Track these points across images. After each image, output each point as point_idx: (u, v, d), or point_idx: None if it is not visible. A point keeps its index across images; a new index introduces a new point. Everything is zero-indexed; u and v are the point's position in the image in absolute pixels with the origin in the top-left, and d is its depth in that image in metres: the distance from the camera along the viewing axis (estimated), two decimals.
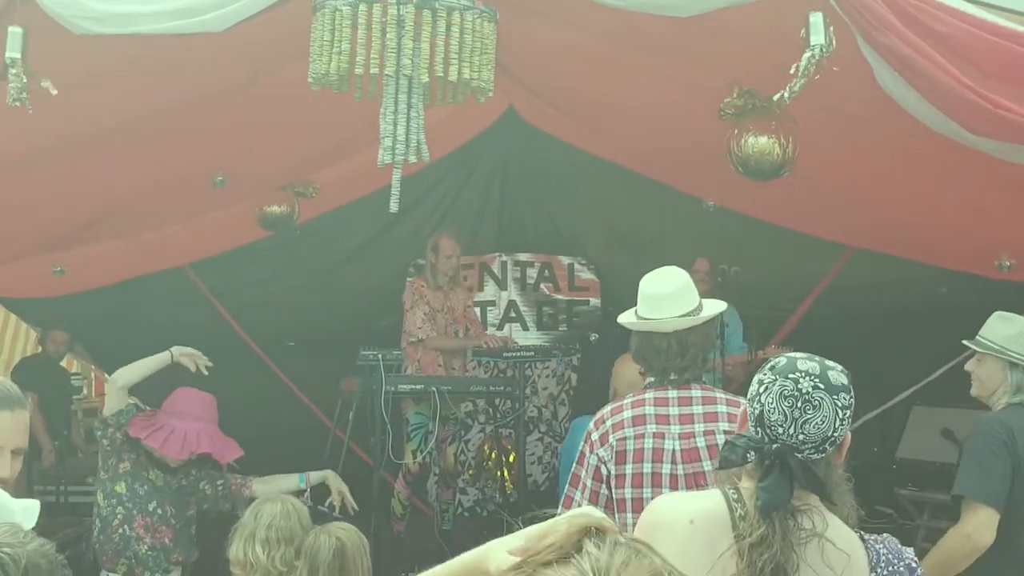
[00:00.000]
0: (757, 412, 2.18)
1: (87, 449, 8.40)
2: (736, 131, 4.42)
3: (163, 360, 4.78)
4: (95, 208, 5.95)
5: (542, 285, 8.51)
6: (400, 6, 3.21)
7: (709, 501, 2.23)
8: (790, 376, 2.17)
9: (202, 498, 4.80)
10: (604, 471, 3.33)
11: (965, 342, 3.95)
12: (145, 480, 4.62)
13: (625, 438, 3.30)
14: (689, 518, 2.18)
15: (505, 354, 6.91)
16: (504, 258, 8.48)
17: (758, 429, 2.18)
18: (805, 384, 2.16)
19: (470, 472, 8.39)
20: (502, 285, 8.47)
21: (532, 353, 7.40)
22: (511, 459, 7.29)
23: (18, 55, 3.50)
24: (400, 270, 8.18)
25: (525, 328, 8.44)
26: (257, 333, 8.39)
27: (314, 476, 4.91)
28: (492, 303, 8.42)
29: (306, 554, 3.46)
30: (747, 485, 2.20)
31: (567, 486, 3.47)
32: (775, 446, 2.14)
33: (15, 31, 3.49)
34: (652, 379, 3.40)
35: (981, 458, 3.67)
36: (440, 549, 6.84)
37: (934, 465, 7.07)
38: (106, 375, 9.34)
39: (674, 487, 3.23)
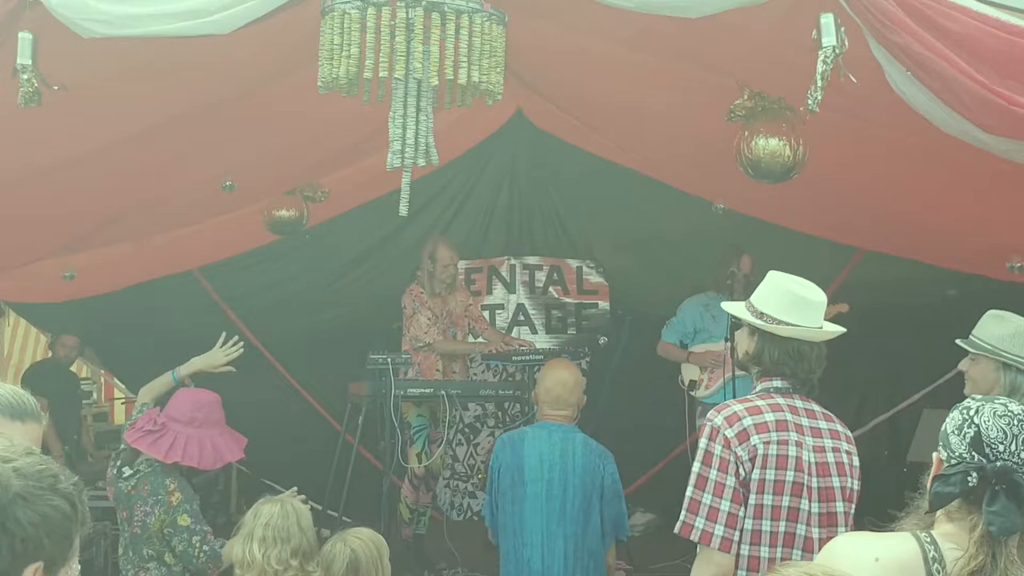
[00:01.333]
0: (972, 435, 2.16)
1: (97, 454, 8.42)
2: (746, 133, 4.40)
3: (164, 380, 4.58)
4: (104, 213, 5.96)
5: (551, 288, 8.50)
6: (409, 9, 3.20)
7: (895, 541, 2.18)
8: (998, 401, 2.20)
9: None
10: (743, 471, 3.16)
11: (958, 341, 3.91)
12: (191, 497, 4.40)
13: (770, 441, 3.16)
14: (874, 556, 2.14)
15: (514, 358, 6.90)
16: (513, 261, 8.48)
17: (973, 453, 2.14)
18: (1015, 408, 2.18)
19: (480, 476, 8.38)
20: (511, 288, 8.47)
21: (541, 356, 7.39)
22: None
23: (29, 61, 3.50)
24: (409, 274, 8.15)
25: (534, 331, 8.43)
26: (266, 337, 8.40)
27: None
28: (501, 306, 8.42)
29: (322, 562, 3.48)
30: (947, 530, 2.15)
31: (691, 488, 3.21)
32: (999, 464, 2.09)
33: (25, 37, 3.50)
34: (778, 383, 3.29)
35: None
36: (451, 555, 6.85)
37: None
38: (116, 380, 9.39)
39: (810, 498, 3.15)
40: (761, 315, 3.31)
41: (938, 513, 2.19)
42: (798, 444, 3.19)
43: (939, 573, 2.07)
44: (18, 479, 1.54)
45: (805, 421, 3.25)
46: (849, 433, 3.32)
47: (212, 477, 7.28)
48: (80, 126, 4.47)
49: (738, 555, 3.16)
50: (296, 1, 3.57)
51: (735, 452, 3.17)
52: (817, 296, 3.32)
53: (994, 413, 2.16)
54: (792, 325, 3.26)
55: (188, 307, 8.07)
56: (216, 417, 4.50)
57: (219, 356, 4.75)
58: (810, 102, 3.28)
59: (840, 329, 3.36)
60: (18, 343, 8.87)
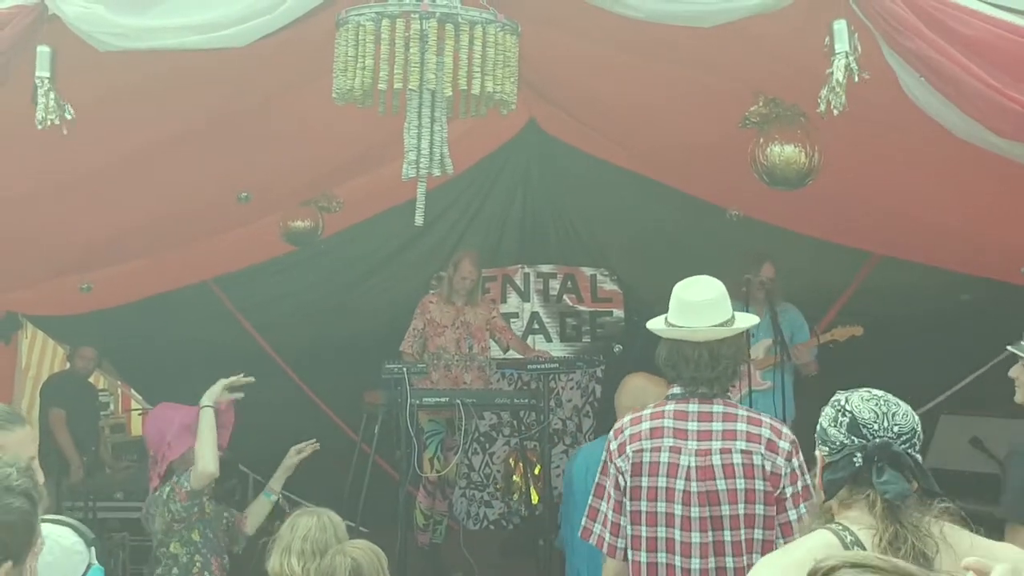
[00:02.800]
0: (847, 421, 2.33)
1: (115, 465, 8.45)
2: (761, 140, 4.40)
3: (210, 421, 4.53)
4: (121, 226, 5.99)
5: (565, 296, 8.51)
6: (423, 20, 3.22)
7: (811, 540, 2.27)
8: (861, 389, 2.40)
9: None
10: (622, 482, 3.31)
11: (1009, 347, 3.90)
12: (211, 520, 4.52)
13: (642, 450, 3.28)
14: (812, 557, 2.17)
15: (529, 366, 6.92)
16: (527, 270, 8.49)
17: (852, 437, 2.32)
18: (877, 391, 2.39)
19: (497, 486, 8.38)
20: (525, 297, 8.48)
21: (556, 365, 7.40)
22: (537, 471, 7.27)
23: (47, 74, 3.53)
24: (424, 283, 8.20)
25: (548, 340, 8.44)
26: (282, 347, 8.42)
27: (275, 483, 4.91)
28: (515, 315, 8.43)
29: (323, 575, 3.47)
30: (850, 515, 2.27)
31: (591, 496, 3.45)
32: (877, 441, 2.29)
33: (43, 50, 3.53)
34: (676, 391, 3.36)
35: (1016, 477, 3.58)
36: (467, 563, 6.85)
37: (963, 474, 6.99)
38: (133, 391, 9.42)
39: (687, 503, 3.20)
40: (666, 322, 3.38)
41: (835, 506, 2.33)
42: (673, 450, 3.24)
43: (851, 540, 2.19)
44: None
45: (693, 425, 3.27)
46: (765, 432, 3.23)
47: (229, 488, 7.29)
48: (96, 140, 4.49)
49: (628, 560, 3.30)
50: (310, 14, 3.59)
51: (615, 463, 3.34)
52: (699, 296, 3.36)
53: (861, 399, 2.36)
54: (671, 327, 3.32)
55: (204, 318, 8.09)
56: (176, 417, 4.61)
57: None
58: (821, 106, 3.28)
59: (736, 327, 3.34)
60: (36, 355, 8.91)
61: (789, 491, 3.18)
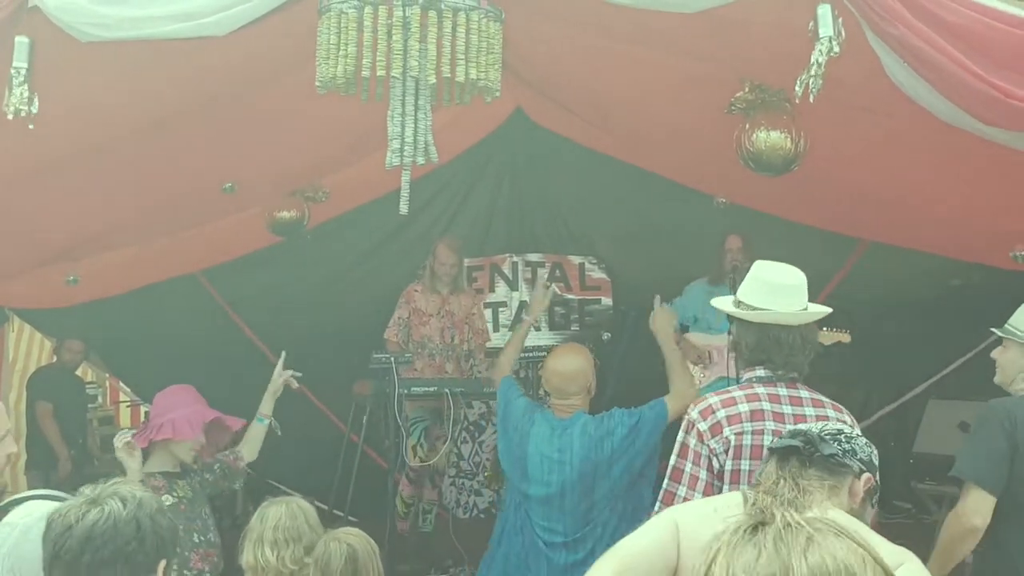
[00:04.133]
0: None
1: (103, 458, 8.43)
2: (747, 126, 4.39)
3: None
4: (106, 217, 5.96)
5: (553, 285, 8.48)
6: (406, 7, 3.20)
7: (726, 496, 2.56)
8: None
9: (210, 488, 4.65)
10: (716, 464, 3.20)
11: (993, 329, 3.93)
12: (178, 505, 4.38)
13: (743, 432, 3.19)
14: (713, 507, 2.43)
15: (520, 355, 6.90)
16: (515, 259, 8.47)
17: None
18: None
19: (486, 474, 8.38)
20: (513, 286, 8.46)
21: (545, 353, 7.38)
22: None
23: (24, 65, 3.50)
24: (411, 272, 8.17)
25: (537, 328, 8.40)
26: (270, 338, 8.39)
27: (265, 406, 4.93)
28: (503, 304, 8.41)
29: (317, 562, 3.46)
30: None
31: (667, 480, 3.30)
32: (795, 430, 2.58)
33: (22, 41, 3.50)
34: (760, 372, 3.31)
35: (976, 440, 3.71)
36: (457, 552, 6.85)
37: (952, 459, 7.02)
38: (121, 383, 9.39)
39: None
40: (738, 304, 3.32)
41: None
42: (775, 433, 3.17)
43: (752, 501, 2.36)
44: (152, 500, 2.12)
45: (787, 409, 3.24)
46: (844, 417, 3.26)
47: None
48: (78, 130, 4.47)
49: None
50: (292, 2, 3.57)
51: (708, 445, 3.22)
52: (792, 280, 3.32)
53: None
54: (762, 310, 3.26)
55: (191, 310, 8.06)
56: (187, 398, 4.59)
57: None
58: (798, 88, 3.27)
59: (823, 310, 3.35)
60: (23, 348, 8.88)
61: None
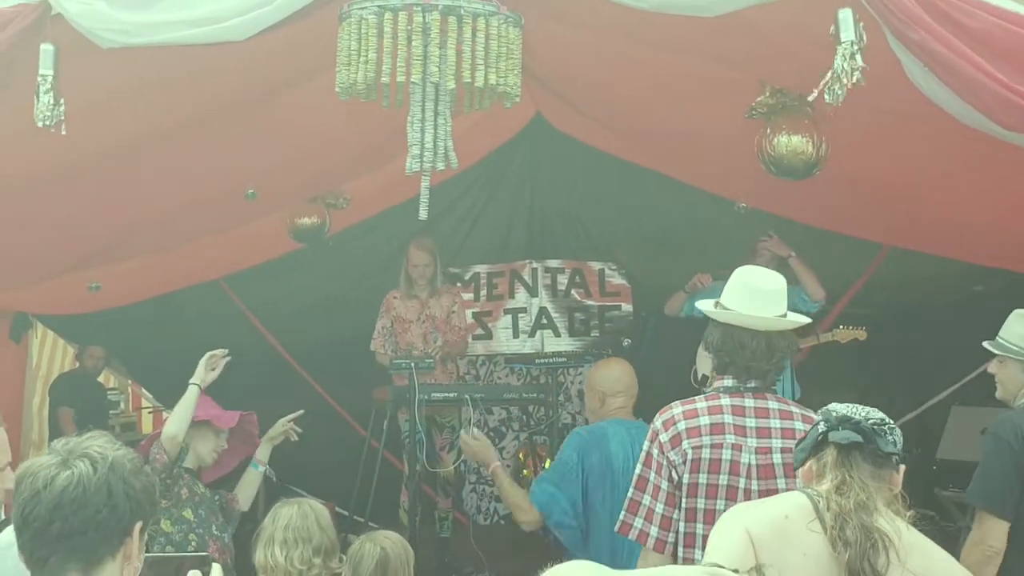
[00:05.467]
0: (821, 413, 2.59)
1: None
2: (768, 130, 4.38)
3: (192, 398, 4.51)
4: (128, 224, 6.00)
5: (573, 291, 8.48)
6: (425, 13, 3.21)
7: (790, 498, 2.50)
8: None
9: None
10: (675, 476, 3.20)
11: (985, 344, 3.87)
12: (201, 500, 4.52)
13: (701, 446, 3.17)
14: (784, 514, 2.42)
15: (537, 360, 6.91)
16: (534, 265, 8.47)
17: (821, 420, 2.56)
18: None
19: None
20: (533, 292, 8.46)
21: (564, 359, 7.39)
22: (547, 466, 7.26)
23: (50, 72, 3.54)
24: None
25: (557, 335, 8.42)
26: (291, 344, 8.44)
27: (261, 452, 4.87)
28: (523, 310, 8.41)
29: (350, 561, 3.51)
30: (822, 486, 2.46)
31: (632, 489, 3.31)
32: (841, 413, 2.52)
33: (47, 48, 3.53)
34: (728, 383, 3.27)
35: (985, 462, 3.64)
36: (478, 558, 6.84)
37: (975, 465, 6.96)
38: (143, 390, 9.45)
39: (747, 502, 3.09)
40: (718, 305, 3.31)
41: (807, 482, 2.54)
42: (735, 447, 3.16)
43: (823, 506, 2.39)
44: (126, 460, 1.99)
45: (751, 422, 3.20)
46: (799, 425, 3.19)
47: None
48: (102, 137, 4.50)
49: (676, 556, 3.20)
50: (312, 8, 3.59)
51: (667, 456, 3.21)
52: (769, 286, 3.27)
53: (838, 404, 2.60)
54: (731, 311, 3.23)
55: (214, 316, 8.10)
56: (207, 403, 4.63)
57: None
58: (828, 98, 3.26)
59: (795, 320, 3.29)
60: (47, 354, 8.94)
61: None
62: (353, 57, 3.26)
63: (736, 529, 2.41)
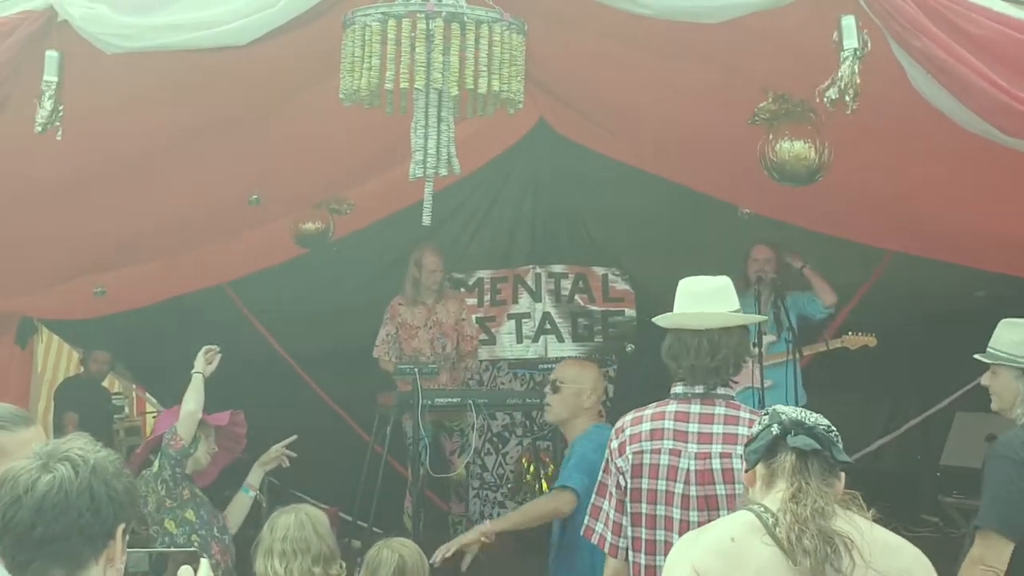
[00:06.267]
0: (767, 417, 2.50)
1: (129, 468, 8.47)
2: (771, 136, 4.38)
3: (199, 385, 4.67)
4: (133, 230, 6.02)
5: (576, 296, 8.48)
6: (429, 20, 3.22)
7: (737, 518, 2.41)
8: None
9: None
10: (622, 482, 3.30)
11: (977, 356, 3.84)
12: (201, 501, 4.58)
13: (642, 451, 3.25)
14: (729, 536, 2.35)
15: (541, 365, 6.92)
16: (538, 270, 8.47)
17: (770, 422, 2.46)
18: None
19: (509, 486, 8.37)
20: (536, 297, 8.47)
21: None
22: (550, 472, 7.26)
23: (55, 79, 3.55)
24: None
25: (560, 340, 8.41)
26: (295, 349, 8.44)
27: (253, 477, 4.89)
28: (527, 315, 8.41)
29: (367, 566, 3.54)
30: (772, 496, 2.39)
31: (594, 495, 3.45)
32: (793, 416, 2.45)
33: (52, 55, 3.55)
34: (678, 390, 3.32)
35: (997, 487, 3.54)
36: (479, 562, 6.83)
37: (979, 472, 6.94)
38: (148, 394, 9.46)
39: (685, 507, 3.18)
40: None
41: (758, 493, 2.46)
42: (673, 452, 3.21)
43: (772, 522, 2.30)
44: (107, 462, 1.98)
45: (693, 427, 3.23)
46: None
47: None
48: (106, 145, 4.52)
49: (629, 561, 3.29)
50: (316, 14, 3.60)
51: (616, 463, 3.31)
52: (701, 285, 3.34)
53: (779, 406, 2.56)
54: (668, 315, 3.31)
55: (218, 321, 8.10)
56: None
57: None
58: (830, 105, 3.27)
59: (736, 316, 3.31)
60: (52, 359, 8.96)
61: None
62: (357, 64, 3.28)
63: (682, 568, 2.39)
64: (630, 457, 3.26)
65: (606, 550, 3.35)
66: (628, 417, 3.37)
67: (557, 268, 8.48)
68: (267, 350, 8.33)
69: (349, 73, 3.30)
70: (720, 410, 3.25)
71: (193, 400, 4.53)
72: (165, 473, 4.38)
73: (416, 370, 6.16)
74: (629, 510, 3.27)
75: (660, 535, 3.22)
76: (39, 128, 3.58)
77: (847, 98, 3.26)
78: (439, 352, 7.06)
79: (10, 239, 5.29)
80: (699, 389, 3.27)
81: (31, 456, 1.96)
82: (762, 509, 2.35)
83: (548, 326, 8.45)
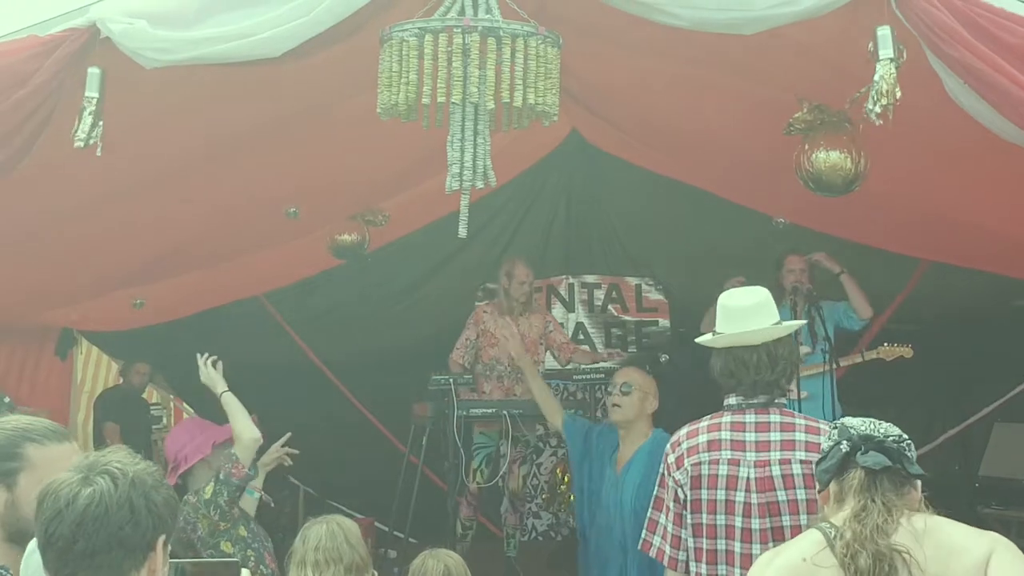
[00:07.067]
0: (837, 431, 2.51)
1: (168, 479, 8.55)
2: (806, 146, 4.37)
3: (235, 401, 4.59)
4: (171, 242, 6.09)
5: (610, 306, 8.49)
6: (465, 35, 3.24)
7: (807, 538, 2.42)
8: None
9: None
10: (681, 495, 3.33)
11: None
12: (246, 515, 4.55)
13: (700, 463, 3.29)
14: (801, 557, 2.37)
15: (574, 376, 6.92)
16: (571, 280, 8.49)
17: (840, 438, 2.48)
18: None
19: (543, 497, 8.37)
20: (570, 307, 8.48)
21: (602, 375, 7.37)
22: None
23: (96, 95, 3.61)
24: (469, 294, 8.23)
25: (594, 350, 8.42)
26: (331, 360, 8.50)
27: (256, 480, 4.77)
28: (561, 325, 8.42)
29: (414, 572, 3.58)
30: (842, 514, 2.40)
31: (651, 508, 3.48)
32: (862, 431, 2.47)
33: (94, 71, 3.60)
34: (731, 401, 3.35)
35: None
36: (515, 573, 6.85)
37: (1019, 483, 6.88)
38: (185, 404, 9.55)
39: (747, 515, 3.20)
40: (714, 334, 3.37)
41: (828, 511, 2.48)
42: (732, 462, 3.24)
43: (839, 538, 2.32)
44: (146, 475, 1.98)
45: (751, 436, 3.27)
46: (814, 439, 3.21)
47: (280, 500, 7.36)
48: (145, 159, 4.58)
49: (691, 572, 3.32)
50: (353, 29, 3.64)
51: (673, 476, 3.35)
52: (748, 300, 3.35)
53: (852, 418, 2.57)
54: (722, 335, 3.31)
55: (255, 332, 8.19)
56: (187, 435, 4.67)
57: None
58: (869, 115, 3.26)
59: (789, 326, 3.34)
60: (91, 370, 9.07)
61: None
62: (394, 79, 3.30)
63: None
64: (688, 469, 3.29)
65: (665, 563, 3.38)
66: (683, 431, 3.40)
67: (590, 278, 8.49)
68: (303, 361, 8.39)
69: (387, 88, 3.33)
70: (775, 418, 3.28)
71: (247, 423, 4.41)
72: (220, 499, 4.30)
73: (452, 380, 6.18)
74: (690, 521, 3.30)
75: (721, 544, 3.23)
76: (80, 143, 3.63)
77: (880, 107, 3.25)
78: (516, 364, 7.11)
79: (51, 252, 5.38)
80: (761, 399, 3.30)
81: (72, 469, 1.97)
82: (828, 527, 2.37)
83: (581, 336, 8.46)
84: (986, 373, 7.51)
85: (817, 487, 2.56)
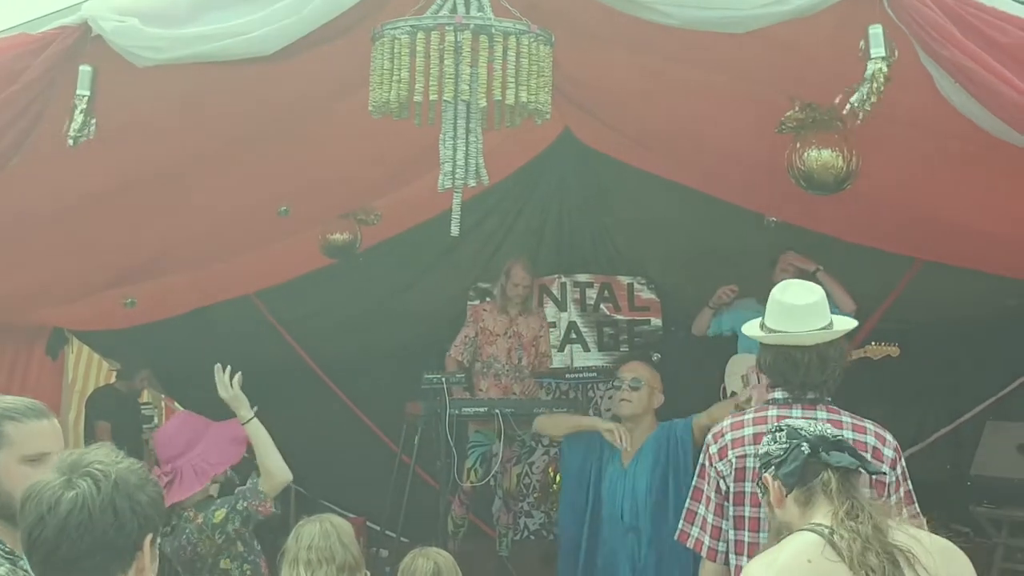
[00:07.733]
0: (784, 432, 2.59)
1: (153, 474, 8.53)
2: (798, 145, 4.38)
3: (262, 431, 4.33)
4: (163, 241, 6.07)
5: (602, 306, 8.49)
6: (457, 32, 3.24)
7: (801, 539, 2.41)
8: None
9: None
10: (723, 486, 3.33)
11: None
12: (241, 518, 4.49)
13: (745, 455, 3.29)
14: (806, 558, 2.35)
15: (567, 375, 6.93)
16: (563, 279, 8.49)
17: (791, 440, 2.55)
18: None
19: (535, 495, 8.37)
20: (562, 306, 8.48)
21: (595, 374, 7.39)
22: None
23: (87, 93, 3.60)
24: (462, 293, 8.23)
25: (586, 349, 8.43)
26: (323, 359, 8.49)
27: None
28: (552, 324, 8.42)
29: (403, 572, 3.58)
30: (818, 516, 2.41)
31: (688, 500, 3.48)
32: (815, 432, 2.53)
33: (85, 69, 3.60)
34: (777, 395, 3.37)
35: None
36: (507, 572, 6.84)
37: (1011, 481, 6.89)
38: (177, 404, 9.53)
39: None
40: (763, 327, 3.37)
41: (796, 518, 2.48)
42: None
43: (834, 537, 2.32)
44: (130, 474, 1.96)
45: None
46: (870, 440, 3.26)
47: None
48: (136, 158, 4.57)
49: (729, 564, 3.34)
50: (343, 27, 3.63)
51: (716, 467, 3.36)
52: (807, 299, 3.32)
53: (791, 420, 2.67)
54: (776, 332, 3.30)
55: (246, 331, 8.17)
56: (185, 439, 4.43)
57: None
58: (857, 111, 3.27)
59: (840, 329, 3.33)
60: (82, 369, 9.04)
61: (893, 499, 3.17)
62: (386, 76, 3.30)
63: None
64: (733, 461, 3.31)
65: (704, 554, 3.39)
66: (726, 423, 3.42)
67: (582, 277, 8.49)
68: (294, 360, 8.38)
69: (379, 86, 3.32)
70: (822, 415, 3.28)
71: (280, 463, 4.16)
72: (230, 527, 4.12)
73: (444, 379, 6.19)
74: (732, 513, 3.31)
75: (763, 537, 3.22)
76: (71, 141, 3.63)
77: (868, 105, 3.25)
78: (514, 363, 7.15)
79: (41, 250, 5.36)
80: (810, 395, 3.32)
81: (54, 470, 1.95)
82: (822, 527, 2.37)
83: (574, 335, 8.46)
84: (978, 372, 7.53)
85: (772, 491, 2.57)
